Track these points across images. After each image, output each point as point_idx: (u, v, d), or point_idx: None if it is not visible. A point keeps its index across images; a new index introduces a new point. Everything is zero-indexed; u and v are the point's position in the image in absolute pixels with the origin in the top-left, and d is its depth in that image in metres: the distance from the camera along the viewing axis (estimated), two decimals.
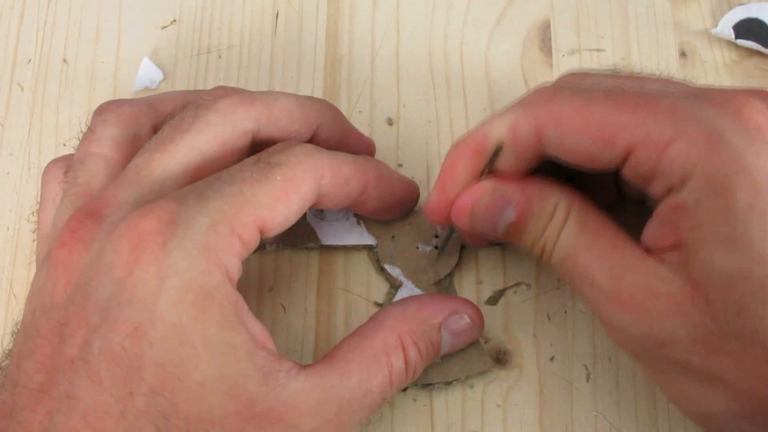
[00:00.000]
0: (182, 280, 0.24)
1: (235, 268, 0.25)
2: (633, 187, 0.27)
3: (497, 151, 0.27)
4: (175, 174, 0.27)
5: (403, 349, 0.28)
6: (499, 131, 0.27)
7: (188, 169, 0.27)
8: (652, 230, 0.26)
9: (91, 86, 0.39)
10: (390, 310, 0.29)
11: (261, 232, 0.26)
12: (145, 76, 0.39)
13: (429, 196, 0.30)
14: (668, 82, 0.28)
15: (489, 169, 0.28)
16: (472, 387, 0.33)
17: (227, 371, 0.24)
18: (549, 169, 0.28)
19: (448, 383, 0.32)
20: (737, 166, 0.23)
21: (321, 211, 0.34)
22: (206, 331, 0.24)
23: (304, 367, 0.26)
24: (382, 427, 0.32)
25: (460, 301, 0.31)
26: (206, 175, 0.27)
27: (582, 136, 0.26)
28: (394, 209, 0.33)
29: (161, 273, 0.23)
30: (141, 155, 0.28)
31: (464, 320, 0.30)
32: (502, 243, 0.34)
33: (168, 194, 0.25)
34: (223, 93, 0.29)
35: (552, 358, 0.33)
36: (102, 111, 0.30)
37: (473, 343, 0.32)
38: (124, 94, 0.39)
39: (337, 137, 0.32)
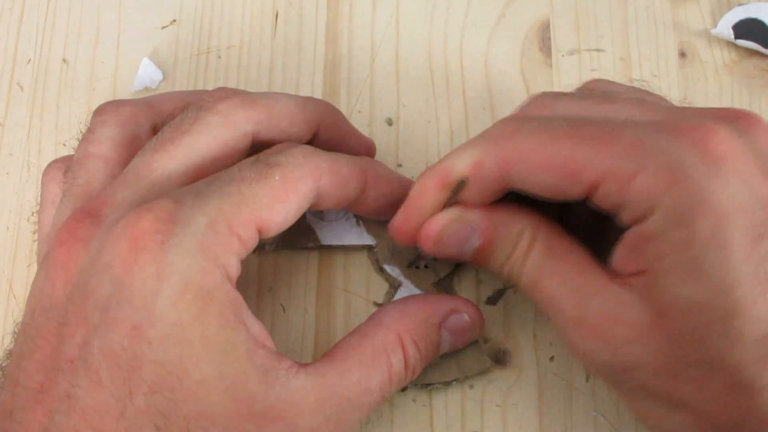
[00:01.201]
0: (181, 279, 0.24)
1: (234, 268, 0.25)
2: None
3: (460, 186, 0.28)
4: (175, 175, 0.27)
5: (403, 348, 0.28)
6: (462, 166, 0.27)
7: (188, 170, 0.27)
8: (619, 255, 0.26)
9: (90, 86, 0.39)
10: (390, 309, 0.29)
11: (259, 232, 0.26)
12: (145, 76, 0.39)
13: (394, 220, 0.30)
14: (640, 102, 0.28)
15: (453, 201, 0.28)
16: (471, 387, 0.33)
17: (227, 370, 0.24)
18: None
19: (448, 383, 0.32)
20: (699, 198, 0.23)
21: (320, 211, 0.34)
22: (205, 330, 0.24)
23: (304, 365, 0.26)
24: (381, 427, 0.32)
25: (460, 300, 0.31)
26: (206, 176, 0.27)
27: (546, 173, 0.26)
28: (393, 209, 0.33)
29: (160, 272, 0.23)
30: (141, 155, 0.28)
31: (464, 320, 0.30)
32: None
33: (166, 193, 0.25)
34: (223, 94, 0.29)
35: (552, 358, 0.33)
36: (101, 111, 0.30)
37: (473, 343, 0.32)
38: (124, 94, 0.39)
39: (338, 138, 0.32)
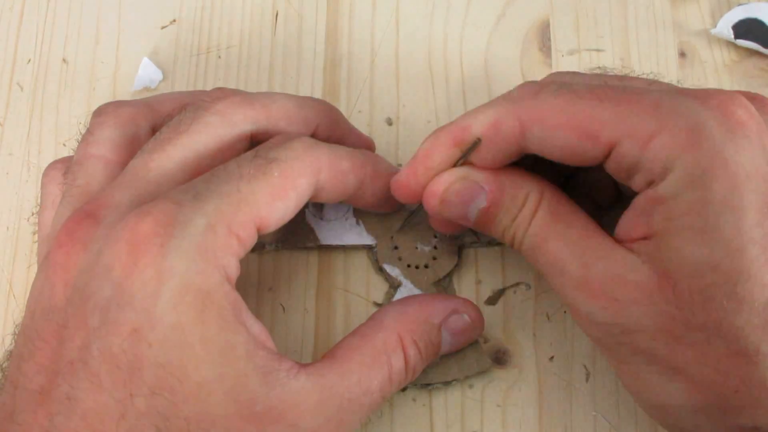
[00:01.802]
0: (181, 281, 0.24)
1: (233, 268, 0.25)
2: (624, 184, 0.27)
3: (474, 146, 0.28)
4: (173, 174, 0.27)
5: (403, 348, 0.28)
6: (480, 126, 0.27)
7: (186, 169, 0.27)
8: (626, 220, 0.26)
9: (90, 86, 0.39)
10: (390, 309, 0.29)
11: (258, 230, 0.26)
12: (144, 76, 0.39)
13: (399, 174, 0.30)
14: (653, 81, 0.29)
15: (464, 161, 0.28)
16: (471, 387, 0.33)
17: (227, 371, 0.24)
18: (526, 160, 0.28)
19: (448, 383, 0.32)
20: (716, 160, 0.24)
21: (320, 210, 0.34)
22: (205, 332, 0.24)
23: (304, 366, 0.26)
24: (381, 427, 0.32)
25: (460, 300, 0.31)
26: None
27: (566, 132, 0.26)
28: (391, 202, 0.33)
29: (160, 274, 0.23)
30: (139, 156, 0.28)
31: (464, 320, 0.30)
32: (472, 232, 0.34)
33: (165, 194, 0.25)
34: (221, 94, 0.29)
35: (551, 358, 0.33)
36: (100, 112, 0.30)
37: (473, 343, 0.32)
38: (124, 94, 0.39)
39: (336, 137, 0.32)
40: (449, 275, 0.34)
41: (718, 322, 0.24)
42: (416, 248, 0.34)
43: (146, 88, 0.39)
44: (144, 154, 0.28)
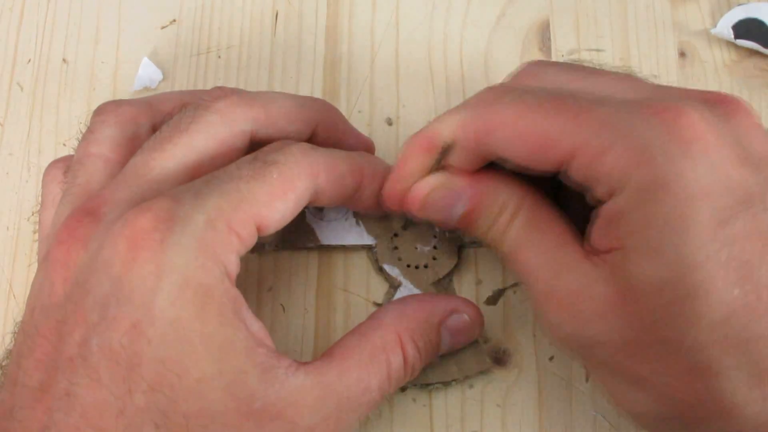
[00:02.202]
0: (180, 277, 0.24)
1: (233, 265, 0.25)
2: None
3: (446, 151, 0.28)
4: (173, 173, 0.27)
5: (402, 347, 0.28)
6: (447, 131, 0.27)
7: (186, 168, 0.27)
8: (594, 232, 0.26)
9: (90, 86, 0.39)
10: (389, 308, 0.29)
11: (258, 230, 0.26)
12: (144, 75, 0.39)
13: (385, 184, 0.30)
14: (627, 77, 0.28)
15: (439, 165, 0.28)
16: (471, 387, 0.33)
17: (226, 368, 0.24)
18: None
19: (447, 383, 0.32)
20: (669, 176, 0.23)
21: (320, 210, 0.34)
22: (205, 328, 0.24)
23: (303, 364, 0.26)
24: (381, 427, 0.32)
25: (460, 300, 0.31)
26: (204, 174, 0.27)
27: (521, 143, 0.26)
28: None
29: (159, 270, 0.23)
30: (139, 155, 0.28)
31: (464, 320, 0.30)
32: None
33: (165, 192, 0.25)
34: (221, 93, 0.29)
35: (551, 358, 0.33)
36: (101, 111, 0.30)
37: (472, 343, 0.32)
38: (124, 94, 0.39)
39: (336, 137, 0.32)
40: (449, 275, 0.34)
41: (673, 339, 0.24)
42: (416, 248, 0.34)
43: (146, 88, 0.39)
44: (144, 153, 0.28)
